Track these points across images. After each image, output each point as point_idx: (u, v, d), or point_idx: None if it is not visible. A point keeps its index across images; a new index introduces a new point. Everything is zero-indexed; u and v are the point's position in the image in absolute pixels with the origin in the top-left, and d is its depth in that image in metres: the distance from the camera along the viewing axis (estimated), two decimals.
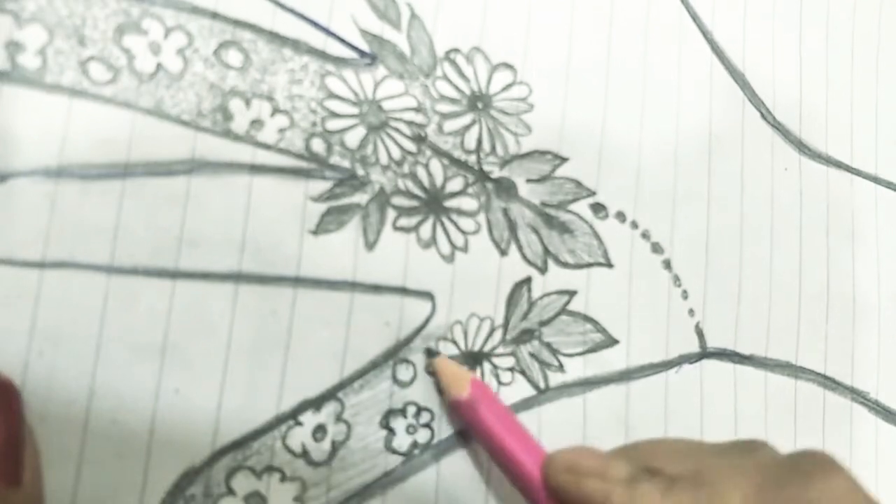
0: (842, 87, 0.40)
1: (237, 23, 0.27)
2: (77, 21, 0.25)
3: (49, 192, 0.24)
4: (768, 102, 0.38)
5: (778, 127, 0.38)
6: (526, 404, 0.30)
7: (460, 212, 0.30)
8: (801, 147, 0.38)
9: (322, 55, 0.28)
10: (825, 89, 0.40)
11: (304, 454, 0.26)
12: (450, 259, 0.29)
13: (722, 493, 0.22)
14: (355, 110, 0.28)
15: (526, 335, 0.31)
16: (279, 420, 0.26)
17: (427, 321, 0.29)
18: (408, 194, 0.29)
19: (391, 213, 0.29)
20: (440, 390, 0.28)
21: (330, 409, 0.27)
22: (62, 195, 0.24)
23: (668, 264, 0.34)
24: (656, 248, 0.34)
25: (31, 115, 0.24)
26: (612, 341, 0.32)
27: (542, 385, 0.31)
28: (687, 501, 0.22)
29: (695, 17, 0.36)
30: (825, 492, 0.22)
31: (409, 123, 0.29)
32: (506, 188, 0.31)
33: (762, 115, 0.37)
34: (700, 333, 0.34)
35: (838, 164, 0.40)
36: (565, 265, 0.32)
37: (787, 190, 0.38)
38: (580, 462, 0.24)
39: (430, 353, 0.28)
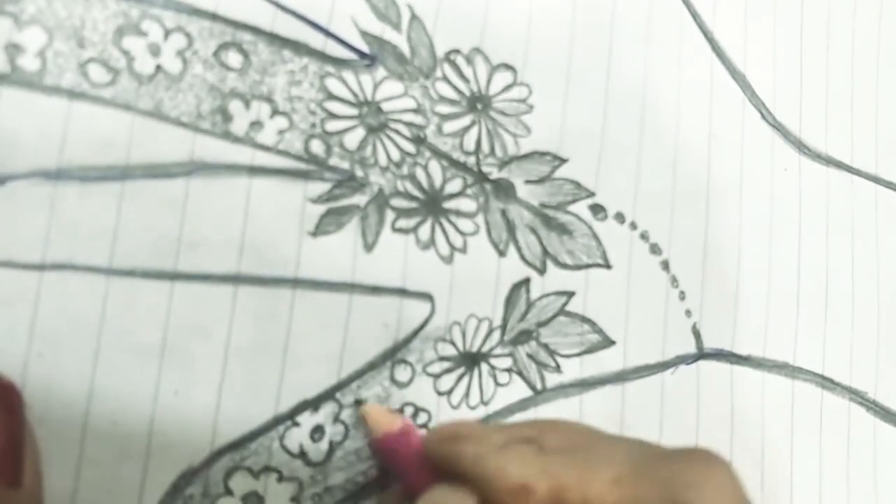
0: (842, 87, 0.40)
1: (237, 24, 0.27)
2: (76, 23, 0.25)
3: (48, 194, 0.24)
4: (768, 103, 0.38)
5: (778, 127, 0.38)
6: (522, 405, 0.30)
7: (459, 213, 0.30)
8: (801, 147, 0.38)
9: (322, 56, 0.28)
10: (825, 89, 0.39)
11: (302, 454, 0.26)
12: (448, 260, 0.30)
13: (594, 467, 0.22)
14: (355, 112, 0.28)
15: (524, 336, 0.31)
16: (277, 421, 0.26)
17: (426, 322, 0.29)
18: (407, 196, 0.29)
19: (390, 215, 0.29)
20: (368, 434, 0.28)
21: (328, 409, 0.27)
22: (61, 197, 0.24)
23: (666, 265, 0.34)
24: (655, 249, 0.34)
25: (30, 117, 0.24)
26: (609, 342, 0.32)
27: (538, 386, 0.31)
28: (556, 468, 0.22)
29: (696, 17, 0.36)
30: (703, 477, 0.22)
31: (409, 125, 0.29)
32: (504, 189, 0.31)
33: (762, 116, 0.37)
34: (697, 334, 0.34)
35: (838, 165, 0.40)
36: (564, 266, 0.32)
37: (787, 190, 0.38)
38: (457, 430, 0.24)
39: (359, 402, 0.28)
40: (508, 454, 0.23)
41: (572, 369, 0.31)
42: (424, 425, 0.28)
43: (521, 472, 0.22)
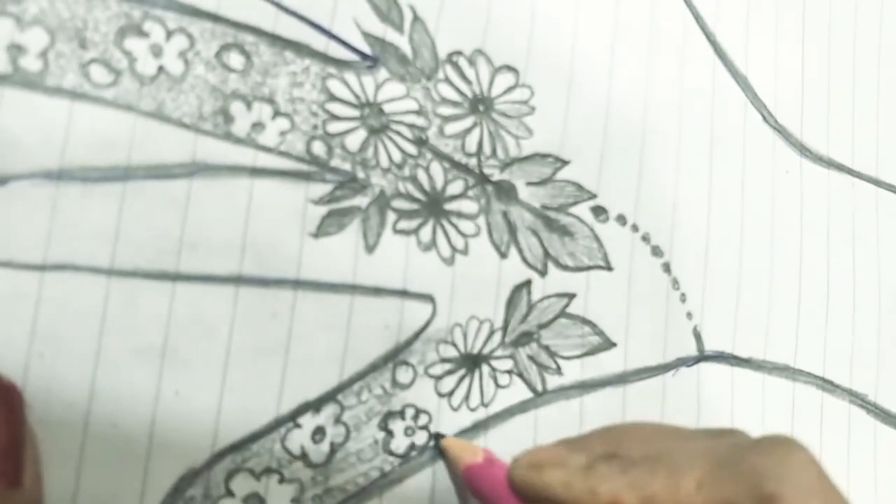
0: (843, 89, 0.40)
1: (239, 25, 0.27)
2: (78, 24, 0.25)
3: (50, 194, 0.24)
4: (770, 105, 0.38)
5: (779, 129, 0.38)
6: (523, 407, 0.30)
7: (460, 215, 0.30)
8: (803, 149, 0.38)
9: (324, 58, 0.28)
10: (827, 92, 0.40)
11: (303, 456, 0.26)
12: (450, 262, 0.30)
13: (677, 471, 0.22)
14: (356, 113, 0.28)
15: (525, 338, 0.31)
16: (278, 422, 0.26)
17: (427, 324, 0.29)
18: (408, 197, 0.29)
19: (391, 216, 0.29)
20: (450, 468, 0.28)
21: (329, 411, 0.27)
22: (63, 198, 0.24)
23: (667, 267, 0.34)
24: (656, 252, 0.34)
25: (32, 118, 0.24)
26: (609, 344, 0.32)
27: (539, 388, 0.31)
28: (643, 480, 0.23)
29: (698, 19, 0.36)
30: (785, 466, 0.22)
31: (410, 126, 0.29)
32: (506, 191, 0.31)
33: (763, 118, 0.37)
34: (698, 336, 0.34)
35: (839, 167, 0.40)
36: (565, 268, 0.32)
37: (788, 192, 0.38)
38: (540, 457, 0.25)
39: (438, 437, 0.29)
40: (595, 475, 0.23)
41: (573, 371, 0.31)
42: (425, 427, 0.28)
43: (611, 490, 0.23)
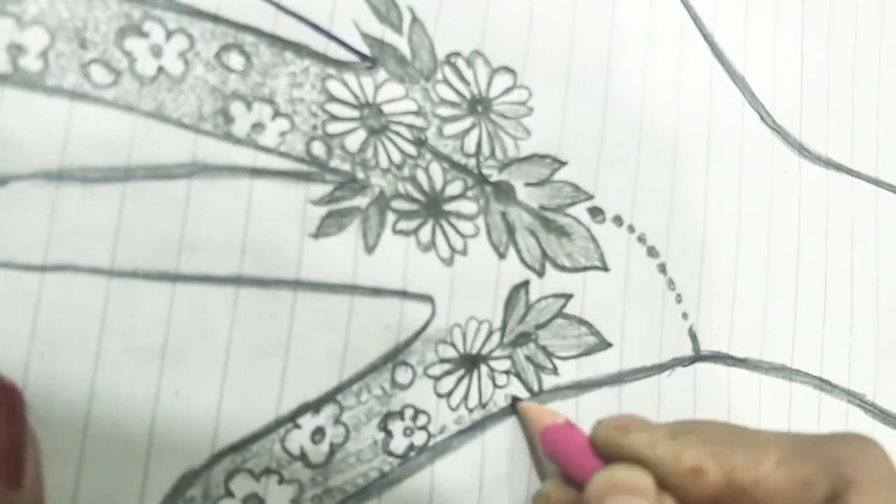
0: (842, 89, 0.40)
1: (239, 26, 0.27)
2: (79, 24, 0.25)
3: (50, 195, 0.24)
4: (768, 105, 0.38)
5: (777, 129, 0.38)
6: None
7: (459, 215, 0.30)
8: (801, 149, 0.39)
9: (323, 58, 0.28)
10: (826, 91, 0.40)
11: (303, 456, 0.27)
12: (449, 262, 0.30)
13: (758, 449, 0.24)
14: (356, 114, 0.28)
15: (523, 338, 0.31)
16: (278, 423, 0.26)
17: (427, 324, 0.29)
18: (408, 198, 0.29)
19: (391, 217, 0.29)
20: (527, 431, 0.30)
21: (329, 411, 0.27)
22: (63, 198, 0.24)
23: (663, 268, 0.34)
24: (652, 252, 0.34)
25: (32, 118, 0.24)
26: (606, 344, 0.32)
27: (535, 388, 0.31)
28: (725, 452, 0.24)
29: (696, 20, 0.36)
30: (861, 454, 0.23)
31: (410, 127, 0.29)
32: (504, 192, 0.31)
33: (762, 118, 0.38)
34: (694, 336, 0.35)
35: (838, 167, 0.40)
36: (562, 269, 0.32)
37: (787, 193, 0.38)
38: (626, 421, 0.26)
39: (516, 400, 0.30)
40: (680, 440, 0.24)
41: (569, 371, 0.31)
42: (424, 427, 0.29)
43: (695, 457, 0.24)
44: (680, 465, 0.24)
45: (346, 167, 0.28)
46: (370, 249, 0.28)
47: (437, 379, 0.29)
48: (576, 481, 0.26)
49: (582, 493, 0.25)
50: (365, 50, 0.29)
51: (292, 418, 0.26)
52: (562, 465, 0.27)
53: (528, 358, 0.31)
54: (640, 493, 0.24)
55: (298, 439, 0.27)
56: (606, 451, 0.25)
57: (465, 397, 0.29)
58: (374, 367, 0.28)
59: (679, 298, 0.34)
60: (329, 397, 0.27)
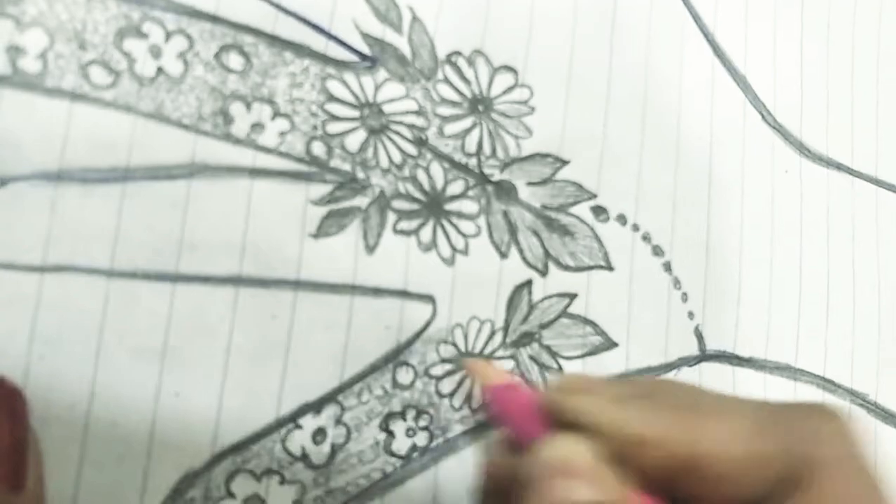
0: (843, 88, 0.40)
1: (238, 26, 0.27)
2: (78, 25, 0.25)
3: (49, 195, 0.24)
4: (769, 104, 0.38)
5: (778, 129, 0.38)
6: None
7: (461, 215, 0.30)
8: (802, 149, 0.38)
9: (323, 58, 0.28)
10: (826, 91, 0.40)
11: (304, 457, 0.26)
12: (450, 262, 0.29)
13: (714, 420, 0.22)
14: (356, 113, 0.28)
15: (526, 338, 0.31)
16: (279, 423, 0.26)
17: (428, 324, 0.29)
18: (408, 197, 0.29)
19: (391, 217, 0.29)
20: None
21: (330, 412, 0.27)
22: (63, 199, 0.24)
23: (668, 267, 0.34)
24: (657, 251, 0.34)
25: (31, 119, 0.24)
26: (611, 344, 0.32)
27: (540, 388, 0.31)
28: (676, 420, 0.22)
29: (697, 19, 0.36)
30: (820, 431, 0.22)
31: (410, 126, 0.29)
32: (506, 191, 0.31)
33: (763, 118, 0.37)
34: (699, 336, 0.34)
35: (839, 166, 0.39)
36: (566, 268, 0.32)
37: (788, 192, 0.38)
38: (575, 382, 0.24)
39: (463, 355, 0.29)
40: (627, 407, 0.22)
41: (574, 371, 0.31)
42: (426, 428, 0.28)
43: (640, 425, 0.22)
44: (624, 434, 0.22)
45: (347, 167, 0.28)
46: (371, 249, 0.28)
47: (438, 379, 0.29)
48: (521, 448, 0.24)
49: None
50: (365, 49, 0.29)
51: (293, 419, 0.26)
52: (507, 427, 0.25)
53: (533, 358, 0.31)
54: (575, 474, 0.21)
55: (300, 440, 0.26)
56: (554, 414, 0.23)
57: (468, 398, 0.29)
58: (374, 368, 0.28)
59: (685, 297, 0.34)
60: (330, 397, 0.27)
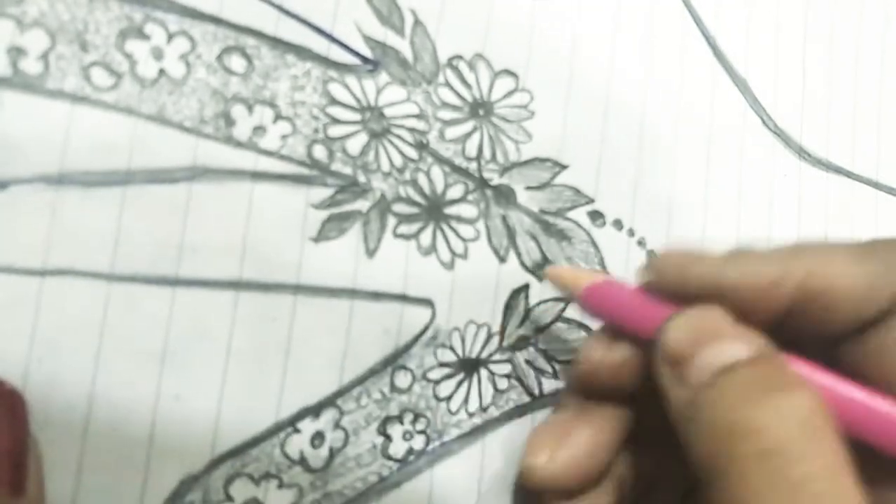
0: (844, 93, 0.40)
1: (240, 28, 0.27)
2: (79, 26, 0.24)
3: (50, 199, 0.24)
4: (769, 109, 0.38)
5: (779, 133, 0.38)
6: (520, 411, 0.30)
7: (460, 219, 0.30)
8: (802, 153, 0.38)
9: (325, 61, 0.28)
10: (827, 96, 0.40)
11: (302, 461, 0.27)
12: (449, 266, 0.30)
13: (826, 250, 0.23)
14: (357, 117, 0.28)
15: (522, 342, 0.31)
16: (278, 427, 0.26)
17: (426, 328, 0.29)
18: (408, 201, 0.29)
19: (392, 220, 0.29)
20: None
21: (328, 416, 0.27)
22: (63, 202, 0.24)
23: None
24: (652, 256, 0.34)
25: (32, 122, 0.24)
26: None
27: (536, 392, 0.31)
28: (792, 257, 0.22)
29: (698, 23, 0.36)
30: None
31: (411, 130, 0.29)
32: (505, 195, 0.31)
33: (763, 122, 0.37)
34: None
35: (839, 170, 0.40)
36: None
37: (787, 196, 0.38)
38: (681, 254, 0.24)
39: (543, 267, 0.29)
40: (746, 258, 0.23)
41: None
42: (423, 431, 0.29)
43: (767, 269, 0.22)
44: (756, 282, 0.22)
45: (348, 171, 0.28)
46: (371, 253, 0.28)
47: (436, 383, 0.29)
48: (635, 336, 0.24)
49: (640, 349, 0.23)
50: (367, 53, 0.29)
51: (292, 423, 0.26)
52: (616, 321, 0.25)
53: (529, 362, 0.31)
54: (724, 336, 0.21)
55: (298, 444, 0.27)
56: (671, 291, 0.23)
57: (465, 401, 0.29)
58: (373, 372, 0.28)
59: None
60: (329, 402, 0.27)
